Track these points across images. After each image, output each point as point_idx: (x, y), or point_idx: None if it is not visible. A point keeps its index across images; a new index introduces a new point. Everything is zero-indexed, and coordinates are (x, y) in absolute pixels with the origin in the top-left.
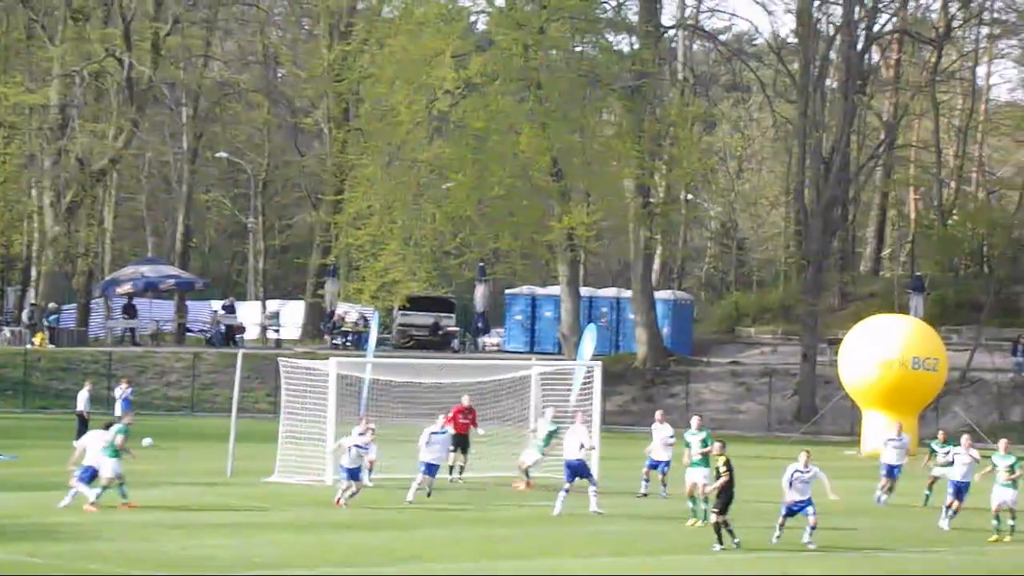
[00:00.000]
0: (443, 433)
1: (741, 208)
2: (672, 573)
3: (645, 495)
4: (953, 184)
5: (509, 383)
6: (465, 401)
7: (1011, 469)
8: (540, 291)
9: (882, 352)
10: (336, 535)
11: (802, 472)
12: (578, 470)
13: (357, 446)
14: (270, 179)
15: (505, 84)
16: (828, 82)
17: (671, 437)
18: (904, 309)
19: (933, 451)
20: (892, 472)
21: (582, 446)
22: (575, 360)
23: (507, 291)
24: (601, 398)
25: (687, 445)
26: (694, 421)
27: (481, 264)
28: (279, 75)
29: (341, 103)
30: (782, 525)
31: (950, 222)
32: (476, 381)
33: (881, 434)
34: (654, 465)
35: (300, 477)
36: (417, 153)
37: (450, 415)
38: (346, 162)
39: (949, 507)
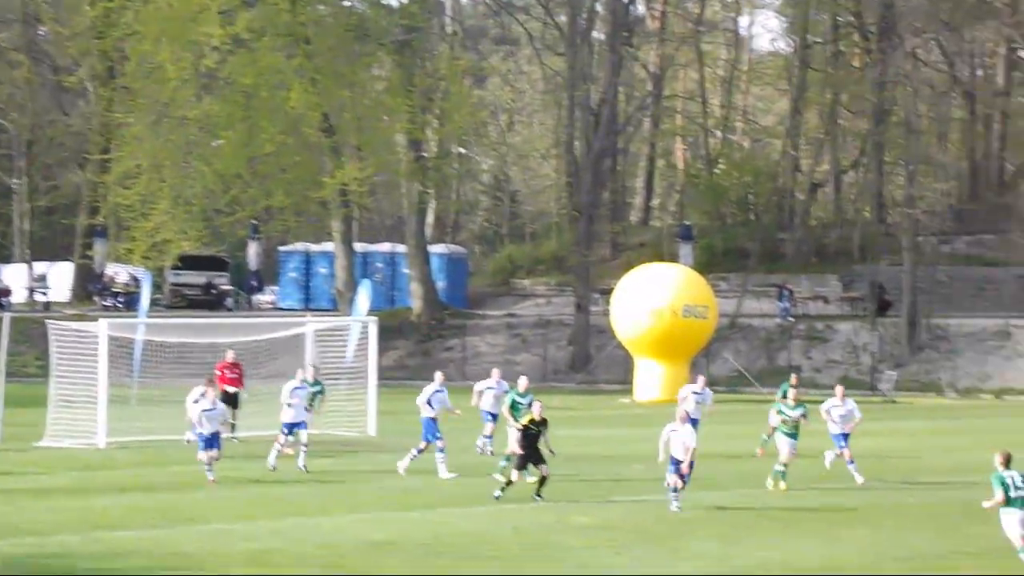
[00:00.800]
0: (303, 388)
1: (513, 161)
2: (444, 525)
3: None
4: (719, 134)
5: (285, 341)
6: (230, 357)
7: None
8: (314, 248)
9: (653, 301)
10: (110, 498)
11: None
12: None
13: (205, 411)
14: (34, 139)
15: (273, 40)
16: (595, 34)
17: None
18: (674, 258)
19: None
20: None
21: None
22: (350, 316)
23: (281, 248)
24: (377, 353)
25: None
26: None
27: (254, 222)
28: (40, 33)
29: (105, 61)
30: None
31: (716, 171)
32: (252, 339)
33: (686, 386)
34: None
35: (72, 440)
36: (185, 111)
37: (217, 373)
38: (112, 121)
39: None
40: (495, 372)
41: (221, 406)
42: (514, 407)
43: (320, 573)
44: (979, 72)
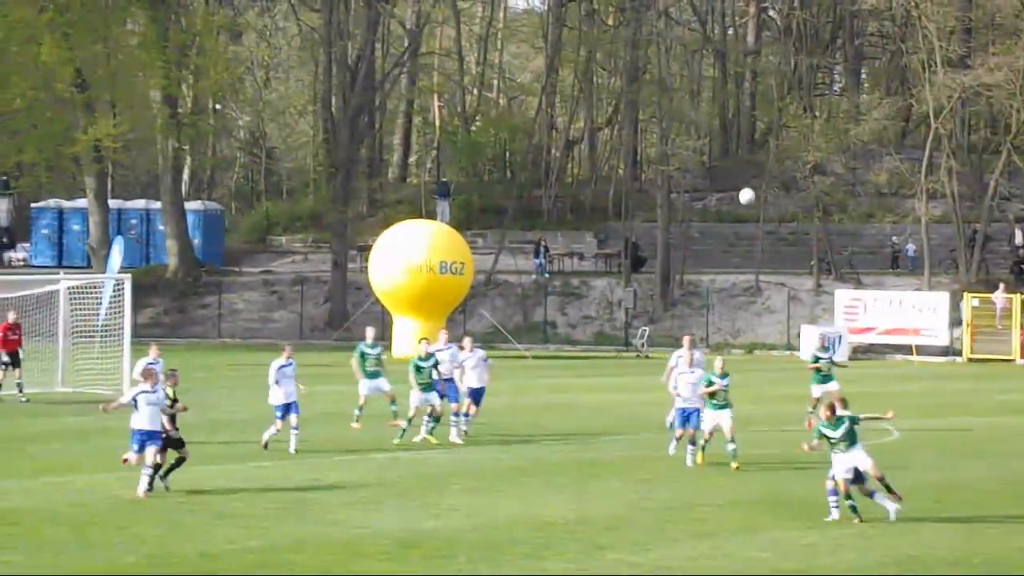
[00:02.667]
0: (289, 365)
1: (269, 117)
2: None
3: None
4: (476, 91)
5: (37, 298)
6: (11, 317)
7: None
8: (67, 204)
9: (410, 257)
10: None
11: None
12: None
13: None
14: None
15: None
16: None
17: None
18: (431, 215)
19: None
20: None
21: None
22: (104, 273)
23: (33, 205)
24: (132, 311)
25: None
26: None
27: (3, 178)
28: None
29: None
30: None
31: (473, 128)
32: (3, 297)
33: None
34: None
35: None
36: None
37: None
38: None
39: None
40: (443, 334)
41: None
42: (363, 358)
43: (69, 532)
44: (730, 31)
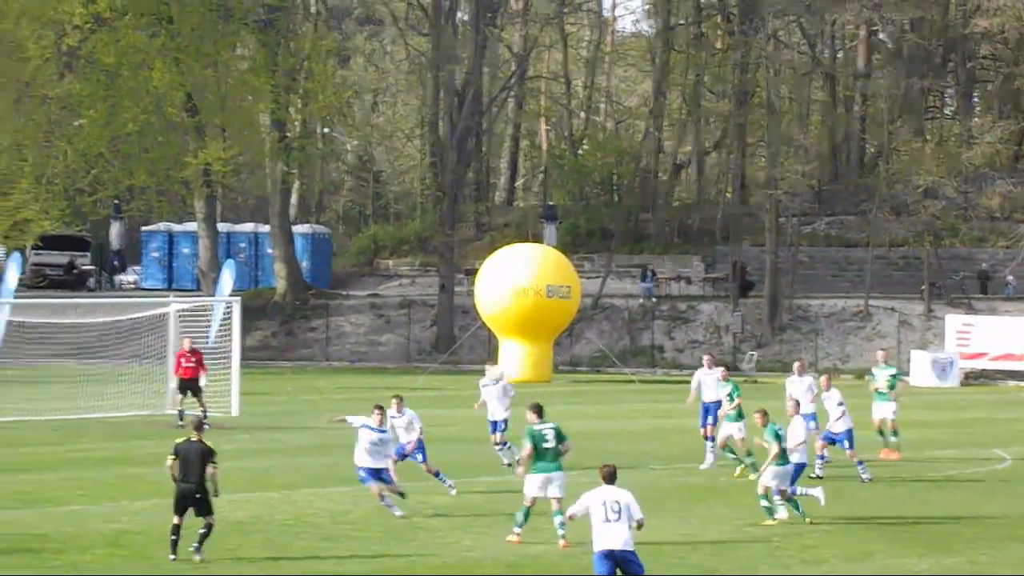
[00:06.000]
0: (383, 431)
1: (377, 141)
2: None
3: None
4: (583, 115)
5: (148, 320)
6: (187, 345)
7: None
8: (177, 228)
9: (516, 281)
10: None
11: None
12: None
13: (371, 428)
14: None
15: (136, 19)
16: (459, 15)
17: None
18: (537, 238)
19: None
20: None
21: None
22: (214, 296)
23: (144, 228)
24: (241, 333)
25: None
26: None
27: (116, 201)
28: None
29: None
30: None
31: (580, 152)
32: (114, 319)
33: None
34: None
35: None
36: (47, 89)
37: (175, 364)
38: None
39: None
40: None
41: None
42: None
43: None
44: (839, 54)
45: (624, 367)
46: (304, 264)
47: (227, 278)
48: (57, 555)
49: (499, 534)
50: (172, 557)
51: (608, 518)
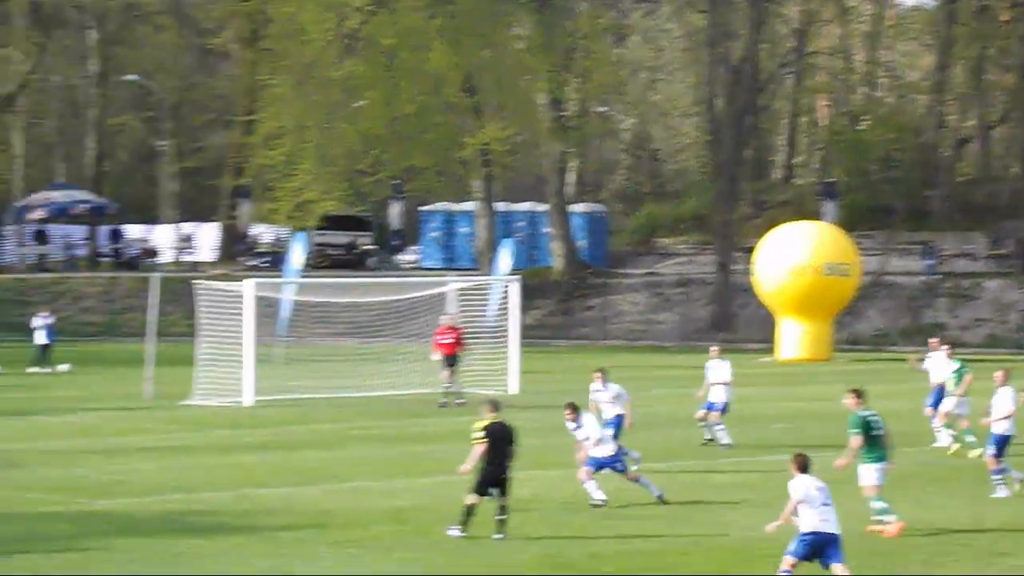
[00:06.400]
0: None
1: (654, 119)
2: None
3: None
4: (863, 90)
5: (426, 300)
6: (445, 321)
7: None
8: (455, 207)
9: (795, 259)
10: (256, 456)
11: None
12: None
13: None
14: (181, 101)
15: (415, 0)
16: None
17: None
18: (817, 216)
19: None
20: None
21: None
22: (492, 275)
23: (422, 208)
24: (519, 313)
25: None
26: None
27: (396, 182)
28: None
29: (250, 23)
30: None
31: (860, 128)
32: (393, 299)
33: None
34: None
35: (219, 399)
36: (328, 72)
37: (435, 339)
38: (257, 82)
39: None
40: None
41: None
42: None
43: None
44: None
45: (905, 346)
46: (581, 243)
47: (505, 257)
48: (342, 530)
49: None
50: (461, 534)
51: (826, 502)
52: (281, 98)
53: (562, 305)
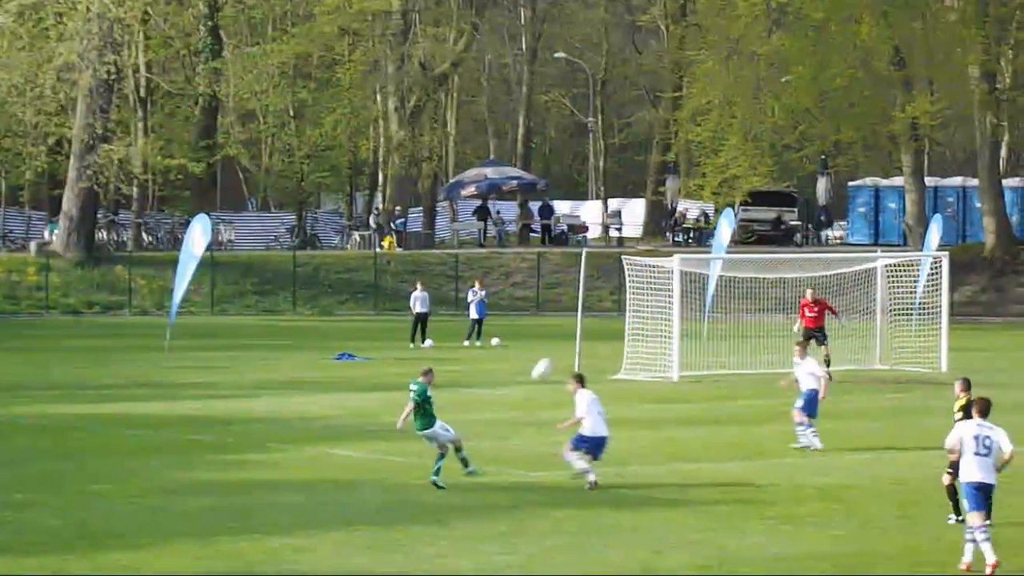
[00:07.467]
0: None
1: None
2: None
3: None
4: None
5: (854, 276)
6: (808, 295)
7: None
8: (883, 182)
9: None
10: (684, 430)
11: None
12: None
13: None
14: (608, 78)
15: None
16: None
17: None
18: None
19: None
20: None
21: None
22: (921, 251)
23: (849, 183)
24: (948, 289)
25: None
26: None
27: (822, 157)
28: None
29: None
30: None
31: None
32: (820, 275)
33: None
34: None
35: (646, 374)
36: (756, 46)
37: (799, 313)
38: (684, 58)
39: None
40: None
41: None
42: None
43: (895, 511)
44: None
45: None
46: (1014, 218)
47: (934, 233)
48: (774, 506)
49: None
50: (952, 519)
51: (978, 451)
52: (708, 73)
53: (994, 282)
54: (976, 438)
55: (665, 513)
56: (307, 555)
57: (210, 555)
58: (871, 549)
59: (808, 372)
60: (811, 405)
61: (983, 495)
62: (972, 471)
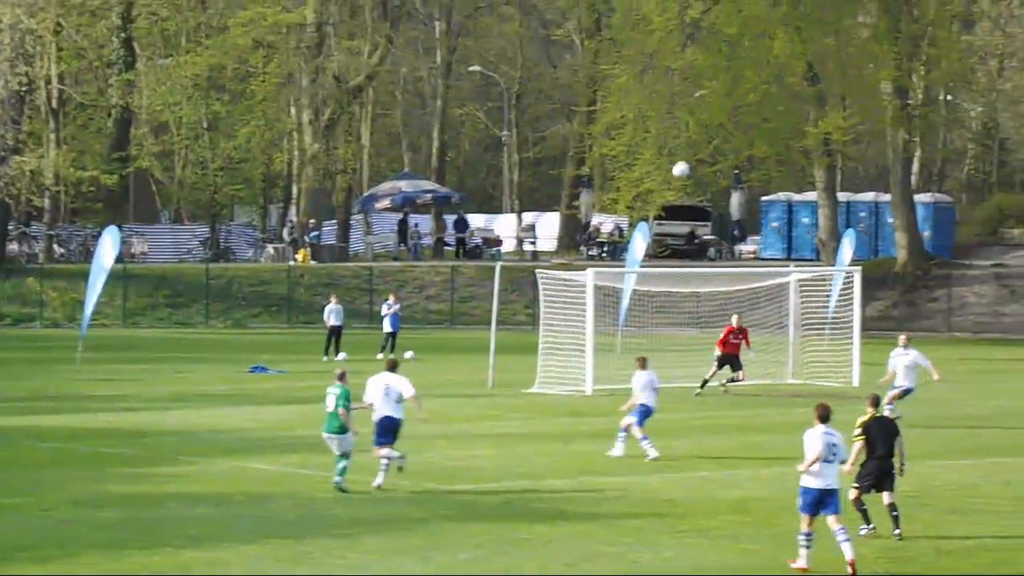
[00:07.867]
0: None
1: (1003, 107)
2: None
3: None
4: None
5: (767, 290)
6: (734, 321)
7: None
8: (796, 197)
9: None
10: (597, 444)
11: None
12: None
13: None
14: (523, 91)
15: None
16: None
17: None
18: None
19: None
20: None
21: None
22: (833, 266)
23: (763, 198)
24: (860, 304)
25: None
26: None
27: (736, 171)
28: None
29: (592, 13)
30: None
31: None
32: (733, 289)
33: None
34: None
35: (560, 387)
36: (670, 61)
37: (721, 337)
38: (598, 73)
39: None
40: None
41: None
42: None
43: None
44: None
45: None
46: (925, 233)
47: (847, 248)
48: (684, 519)
49: None
50: (870, 529)
51: (827, 458)
52: (623, 88)
53: (906, 296)
54: (827, 445)
55: (578, 527)
56: (219, 568)
57: (121, 568)
58: (782, 562)
59: (647, 386)
60: (643, 418)
61: (826, 500)
62: (815, 477)
